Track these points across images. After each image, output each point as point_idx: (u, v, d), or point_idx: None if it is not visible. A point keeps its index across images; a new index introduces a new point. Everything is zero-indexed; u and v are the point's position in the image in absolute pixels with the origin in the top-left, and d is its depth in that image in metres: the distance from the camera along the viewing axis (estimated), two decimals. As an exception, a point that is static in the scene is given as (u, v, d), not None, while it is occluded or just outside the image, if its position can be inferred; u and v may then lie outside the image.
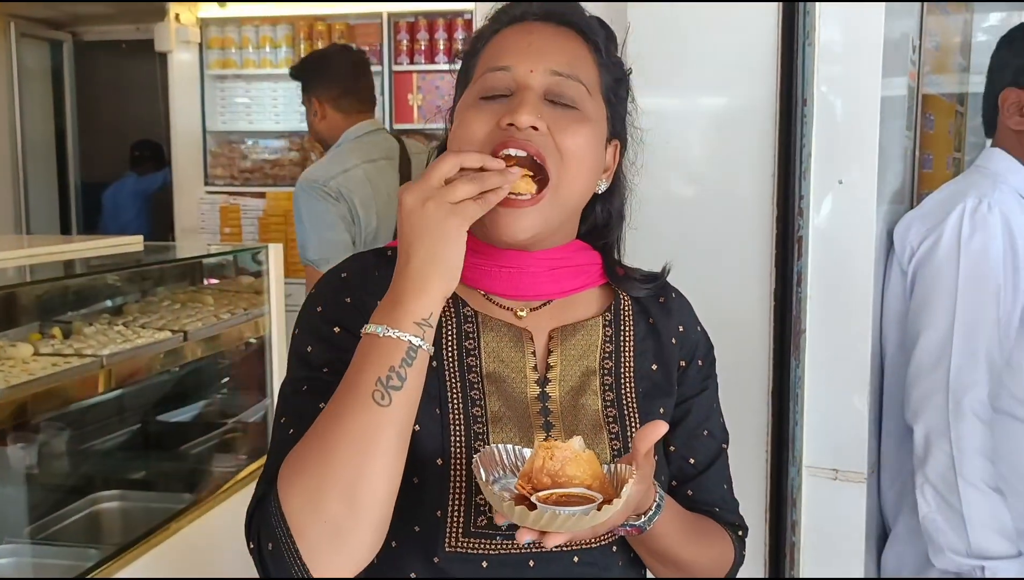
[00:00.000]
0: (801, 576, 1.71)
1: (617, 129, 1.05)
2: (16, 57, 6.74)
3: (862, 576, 1.68)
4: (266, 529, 0.84)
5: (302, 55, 5.99)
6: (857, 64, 1.61)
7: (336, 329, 0.96)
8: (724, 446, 1.12)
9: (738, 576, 1.74)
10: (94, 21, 7.01)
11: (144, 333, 2.51)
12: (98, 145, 7.38)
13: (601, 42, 1.01)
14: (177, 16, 6.14)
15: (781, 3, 1.61)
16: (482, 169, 0.87)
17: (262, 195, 5.93)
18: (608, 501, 0.80)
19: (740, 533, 1.13)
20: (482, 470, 0.84)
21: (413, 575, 0.95)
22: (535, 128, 0.92)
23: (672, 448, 1.07)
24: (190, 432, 2.97)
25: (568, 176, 0.95)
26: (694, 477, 1.08)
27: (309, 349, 0.96)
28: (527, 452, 0.87)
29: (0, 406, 1.99)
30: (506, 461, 0.88)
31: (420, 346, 0.83)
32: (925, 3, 1.94)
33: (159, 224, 6.40)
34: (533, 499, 0.80)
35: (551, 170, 0.93)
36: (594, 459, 0.84)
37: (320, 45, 5.95)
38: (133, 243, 2.59)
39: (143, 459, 2.82)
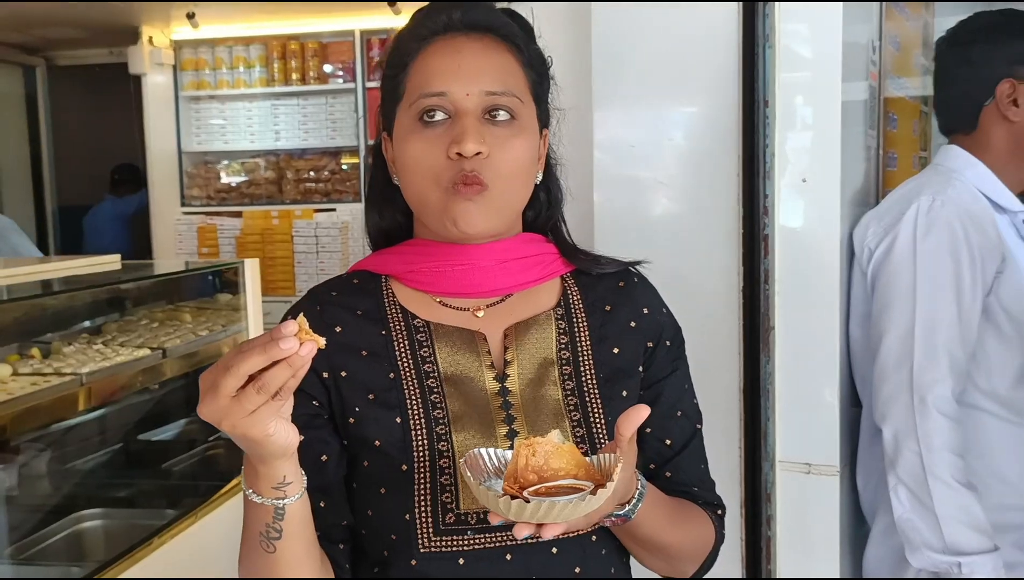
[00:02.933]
0: (778, 570, 1.73)
1: (544, 118, 1.09)
2: (-11, 83, 6.73)
3: (838, 569, 1.71)
4: None
5: (275, 74, 6.03)
6: (817, 65, 1.65)
7: None
8: (698, 426, 1.15)
9: (714, 575, 1.78)
10: (67, 45, 6.99)
11: (123, 351, 2.52)
12: (74, 169, 7.36)
13: (523, 44, 1.05)
14: (150, 39, 6.16)
15: (741, 4, 1.65)
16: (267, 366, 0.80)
17: (239, 214, 5.93)
18: (601, 486, 0.82)
19: (719, 512, 1.15)
20: (469, 473, 0.86)
21: None
22: (480, 153, 0.97)
23: (648, 430, 1.10)
24: (172, 450, 2.97)
25: (510, 185, 1.01)
26: (671, 458, 1.11)
27: None
28: (509, 454, 0.89)
29: (-21, 426, 1.99)
30: (489, 465, 0.90)
31: (284, 504, 0.87)
32: (885, 4, 1.99)
33: (138, 246, 6.39)
34: (525, 495, 0.81)
35: (489, 183, 0.98)
36: (575, 450, 0.85)
37: (294, 64, 5.98)
38: (110, 262, 2.59)
39: (126, 477, 2.81)
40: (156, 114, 6.17)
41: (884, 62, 2.02)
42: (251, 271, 2.70)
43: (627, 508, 0.95)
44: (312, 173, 6.00)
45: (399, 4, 5.38)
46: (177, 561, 2.14)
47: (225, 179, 6.23)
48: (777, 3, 1.64)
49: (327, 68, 5.94)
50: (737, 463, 1.75)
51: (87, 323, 2.90)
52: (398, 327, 1.04)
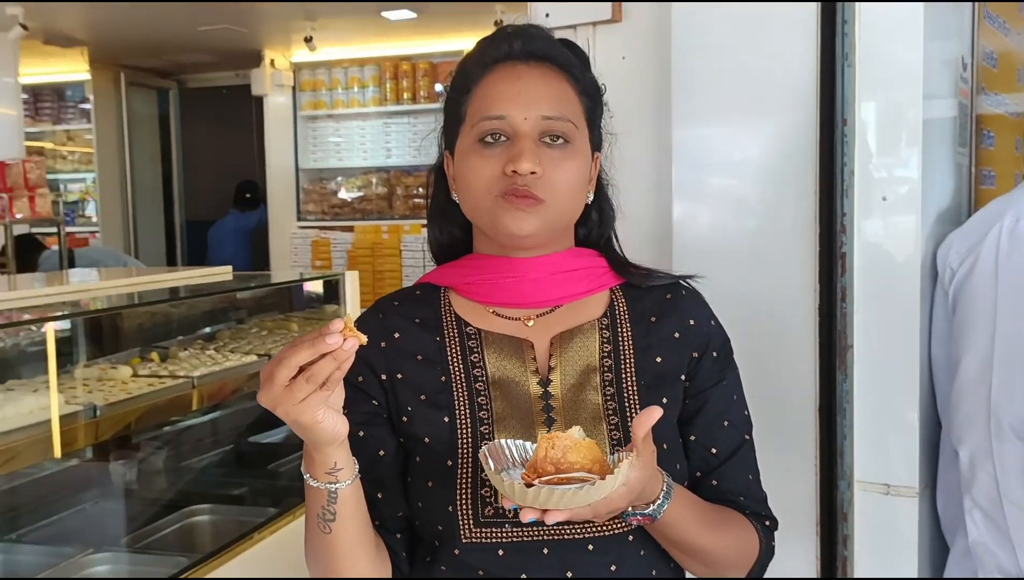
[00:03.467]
0: (855, 590, 1.72)
1: (596, 142, 1.16)
2: (126, 105, 7.21)
3: (916, 591, 1.68)
4: None
5: (388, 94, 6.24)
6: (897, 83, 1.64)
7: (359, 377, 1.10)
8: (747, 437, 1.17)
9: (792, 594, 1.78)
10: (197, 69, 7.43)
11: (232, 357, 2.69)
12: (200, 185, 7.78)
13: (578, 72, 1.12)
14: (272, 61, 6.49)
15: (820, 22, 1.66)
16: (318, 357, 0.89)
17: (351, 229, 6.16)
18: (604, 474, 0.87)
19: (767, 523, 1.17)
20: (490, 461, 0.92)
21: (444, 567, 1.06)
22: (534, 172, 1.04)
23: (692, 438, 1.13)
24: (279, 452, 3.13)
25: (562, 201, 1.07)
26: (717, 467, 1.13)
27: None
28: (532, 447, 0.94)
29: (101, 422, 2.17)
30: (515, 456, 0.96)
31: (337, 488, 0.96)
32: (979, 21, 1.96)
33: (257, 258, 6.72)
34: (536, 483, 0.87)
35: (546, 198, 1.05)
36: (594, 446, 0.90)
37: (405, 83, 6.18)
38: (222, 273, 2.77)
39: (235, 477, 2.98)
40: (276, 133, 6.50)
41: (978, 78, 1.98)
42: (351, 283, 2.83)
43: (653, 507, 0.98)
44: (421, 189, 6.19)
45: (505, 25, 5.50)
46: (276, 555, 2.26)
47: (340, 195, 6.48)
48: (857, 21, 1.65)
49: (437, 87, 6.13)
50: (813, 482, 1.74)
51: (204, 330, 3.10)
52: (452, 334, 1.12)
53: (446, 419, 1.08)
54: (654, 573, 1.09)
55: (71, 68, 7.06)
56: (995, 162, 2.14)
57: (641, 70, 1.98)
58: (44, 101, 7.42)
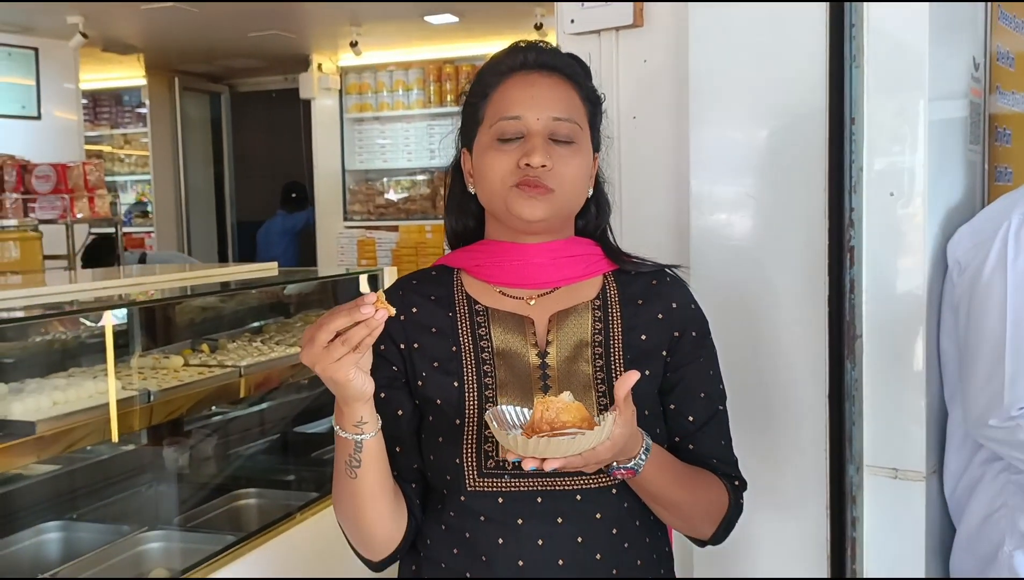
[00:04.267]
0: (864, 571, 1.79)
1: (596, 143, 1.30)
2: (180, 109, 7.45)
3: (923, 571, 1.74)
4: None
5: (432, 96, 6.38)
6: (904, 82, 1.71)
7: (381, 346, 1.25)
8: (721, 407, 1.31)
9: (800, 575, 1.85)
10: (247, 74, 7.64)
11: (278, 348, 2.82)
12: (250, 186, 7.99)
13: (583, 81, 1.27)
14: (320, 66, 6.66)
15: (828, 24, 1.74)
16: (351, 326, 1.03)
17: (395, 228, 6.31)
18: (589, 429, 1.01)
19: (736, 483, 1.31)
20: (494, 422, 1.06)
21: (452, 513, 1.22)
22: (545, 165, 1.18)
23: (672, 407, 1.28)
24: (323, 441, 3.26)
25: (568, 191, 1.23)
26: (693, 433, 1.28)
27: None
28: (529, 412, 1.09)
29: (155, 407, 2.32)
30: (516, 419, 1.10)
31: (362, 439, 1.11)
32: (992, 20, 2.01)
33: (305, 258, 6.89)
34: (537, 438, 1.01)
35: (555, 188, 1.20)
36: (582, 407, 1.04)
37: (449, 85, 6.31)
38: (268, 269, 2.91)
39: (280, 463, 3.12)
40: (323, 135, 6.66)
41: (992, 77, 2.03)
42: (390, 278, 2.95)
43: (633, 462, 1.12)
44: (463, 189, 6.30)
45: (545, 28, 5.60)
46: (317, 534, 2.39)
47: (386, 196, 6.63)
48: (865, 22, 1.72)
49: (475, 91, 6.24)
50: (824, 466, 1.82)
51: (251, 324, 3.25)
52: (463, 311, 1.27)
53: (455, 384, 1.22)
54: (637, 523, 1.23)
55: (128, 74, 7.31)
56: (1012, 159, 2.19)
57: (662, 73, 2.07)
58: (102, 106, 7.69)
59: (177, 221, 7.43)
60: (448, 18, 5.77)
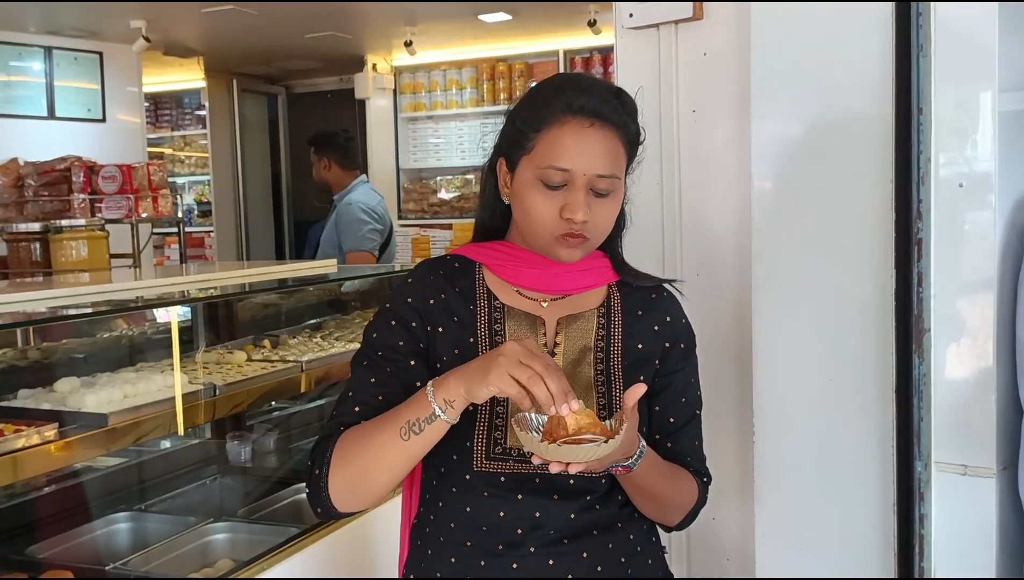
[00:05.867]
0: (932, 570, 1.76)
1: (629, 171, 1.37)
2: (239, 110, 7.58)
3: (994, 570, 1.71)
4: (318, 462, 1.28)
5: (485, 95, 6.40)
6: (972, 70, 1.68)
7: (393, 322, 1.34)
8: (698, 412, 1.45)
9: (867, 574, 1.83)
10: (303, 75, 7.75)
11: (337, 344, 2.86)
12: (307, 186, 8.09)
13: (628, 125, 1.33)
14: (374, 66, 6.73)
15: (895, 12, 1.71)
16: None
17: (449, 226, 6.35)
18: (611, 438, 1.12)
19: (705, 479, 1.45)
20: (519, 428, 1.14)
21: (454, 489, 1.33)
22: (586, 222, 1.29)
23: (657, 408, 1.41)
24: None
25: (600, 236, 1.35)
26: (673, 432, 1.42)
27: (375, 335, 1.35)
28: (545, 418, 1.17)
29: (220, 400, 2.37)
30: (533, 424, 1.19)
31: (439, 415, 1.19)
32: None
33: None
34: (558, 443, 1.11)
35: (591, 236, 1.32)
36: (592, 413, 1.14)
37: (501, 84, 6.33)
38: (327, 266, 2.95)
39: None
40: (378, 134, 6.73)
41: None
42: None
43: (630, 461, 1.25)
44: (517, 187, 6.32)
45: (599, 25, 5.59)
46: (376, 528, 2.42)
47: (439, 194, 6.68)
48: (932, 10, 1.69)
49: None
50: (891, 463, 1.79)
51: (311, 321, 3.30)
52: (482, 305, 1.37)
53: None
54: (620, 498, 1.36)
55: (188, 77, 7.46)
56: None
57: (722, 66, 2.06)
58: (163, 109, 7.86)
59: (236, 221, 7.56)
60: (501, 16, 5.79)
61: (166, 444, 2.82)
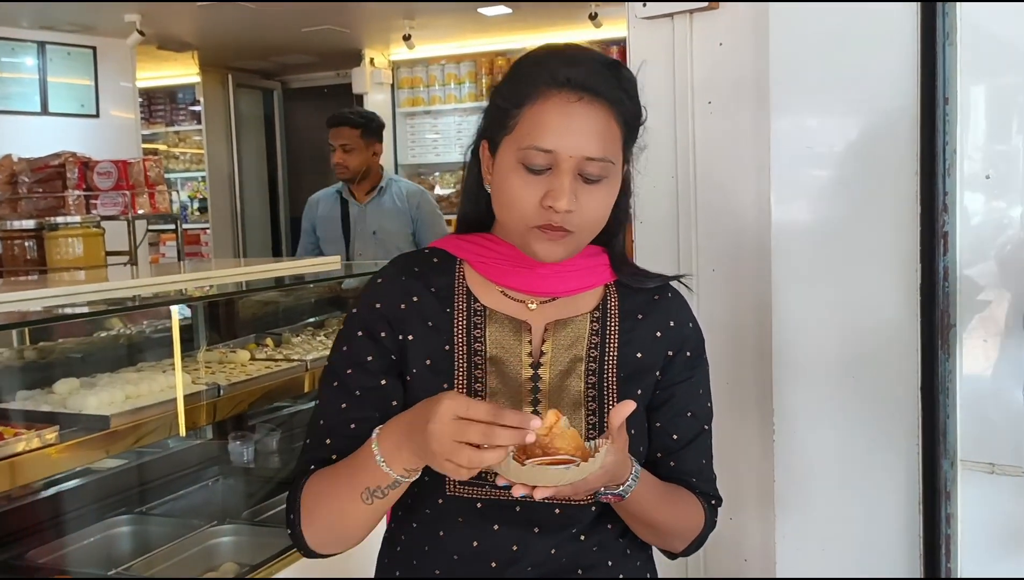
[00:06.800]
0: (959, 570, 1.72)
1: (627, 156, 1.19)
2: (234, 106, 7.51)
3: (1022, 574, 1.67)
4: (291, 508, 1.18)
5: (484, 89, 6.34)
6: (999, 60, 1.64)
7: (360, 333, 1.19)
8: (706, 427, 1.28)
9: (894, 574, 1.79)
10: (299, 70, 7.68)
11: (341, 342, 2.80)
12: (303, 182, 8.03)
13: (624, 103, 1.14)
14: (372, 60, 6.66)
15: (921, 3, 1.66)
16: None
17: (448, 223, 6.28)
18: (584, 460, 0.97)
19: (713, 502, 1.29)
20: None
21: (428, 511, 1.19)
22: (570, 211, 1.10)
23: (658, 425, 1.24)
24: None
25: (588, 230, 1.16)
26: (676, 451, 1.25)
27: (344, 348, 1.20)
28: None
29: (224, 400, 2.32)
30: None
31: (402, 480, 1.06)
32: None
33: (357, 252, 6.90)
34: (526, 463, 0.96)
35: (575, 230, 1.13)
36: (576, 434, 1.00)
37: (500, 79, 6.27)
38: (331, 263, 2.90)
39: (343, 459, 3.11)
40: (375, 130, 6.64)
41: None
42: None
43: (622, 488, 1.10)
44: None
45: (600, 18, 5.53)
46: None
47: (437, 190, 6.61)
48: (958, 1, 1.64)
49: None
50: (916, 461, 1.75)
51: (312, 319, 3.25)
52: (461, 308, 1.21)
53: (444, 386, 1.17)
54: (609, 527, 1.21)
55: (183, 72, 7.38)
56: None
57: (738, 56, 2.01)
58: (157, 104, 7.77)
59: (232, 217, 7.49)
60: (501, 9, 5.73)
61: (167, 445, 2.77)
